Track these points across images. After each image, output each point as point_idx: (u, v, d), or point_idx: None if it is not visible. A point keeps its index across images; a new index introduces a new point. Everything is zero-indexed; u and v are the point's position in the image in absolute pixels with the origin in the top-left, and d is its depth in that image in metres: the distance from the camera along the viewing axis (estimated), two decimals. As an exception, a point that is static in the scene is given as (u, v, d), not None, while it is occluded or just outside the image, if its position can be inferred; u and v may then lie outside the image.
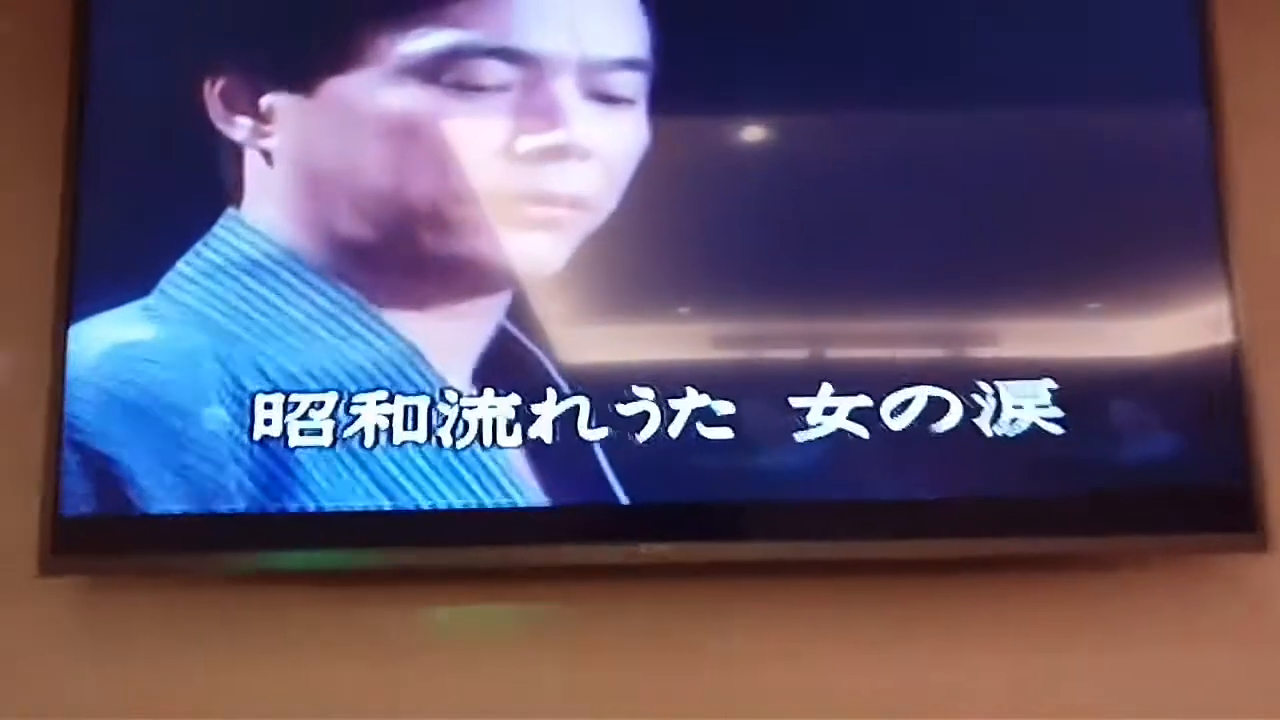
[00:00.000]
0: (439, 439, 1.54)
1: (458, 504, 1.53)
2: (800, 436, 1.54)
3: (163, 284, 1.57)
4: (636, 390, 1.55)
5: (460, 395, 1.55)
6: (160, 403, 1.53)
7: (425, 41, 1.58)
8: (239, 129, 1.60)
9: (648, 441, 1.54)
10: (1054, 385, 1.54)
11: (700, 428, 1.54)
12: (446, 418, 1.54)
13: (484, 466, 1.54)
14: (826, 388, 1.54)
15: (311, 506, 1.53)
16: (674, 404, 1.54)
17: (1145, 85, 1.63)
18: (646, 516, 1.54)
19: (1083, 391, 1.55)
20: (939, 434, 1.54)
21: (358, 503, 1.53)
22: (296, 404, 1.54)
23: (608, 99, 1.59)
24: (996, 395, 1.54)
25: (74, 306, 1.57)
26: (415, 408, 1.54)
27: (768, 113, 1.63)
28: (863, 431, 1.54)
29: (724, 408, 1.54)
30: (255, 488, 1.53)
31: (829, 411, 1.54)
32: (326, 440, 1.54)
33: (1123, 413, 1.55)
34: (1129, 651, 1.58)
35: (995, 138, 1.62)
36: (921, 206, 1.59)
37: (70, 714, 1.58)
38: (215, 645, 1.60)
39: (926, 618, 1.59)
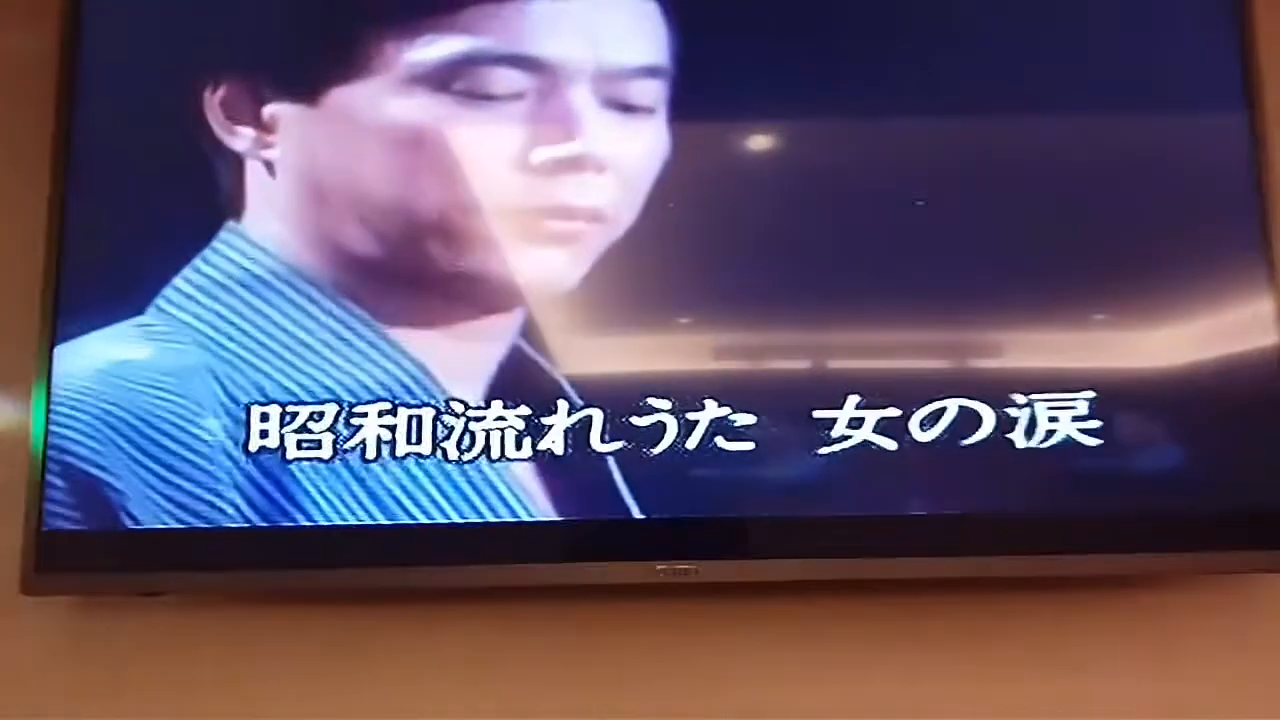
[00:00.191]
0: (444, 452, 1.50)
1: (463, 520, 1.49)
2: (825, 450, 1.50)
3: (158, 300, 1.54)
4: (652, 401, 1.51)
5: (467, 406, 1.51)
6: (152, 420, 1.49)
7: (435, 49, 1.54)
8: (240, 139, 1.57)
9: (663, 454, 1.50)
10: (1092, 395, 1.51)
11: (719, 440, 1.51)
12: (452, 430, 1.51)
13: (490, 481, 1.49)
14: (853, 399, 1.51)
15: (309, 523, 1.49)
16: (692, 416, 1.51)
17: (1186, 89, 1.61)
18: (661, 532, 1.50)
19: (1122, 403, 1.52)
20: (968, 446, 1.50)
21: (358, 519, 1.49)
22: (294, 415, 1.51)
23: (626, 107, 1.56)
24: (1031, 407, 1.51)
25: (63, 323, 1.54)
26: (419, 419, 1.51)
27: (793, 120, 1.60)
28: (890, 444, 1.50)
29: (744, 419, 1.51)
30: (249, 504, 1.49)
31: (855, 424, 1.51)
32: (326, 453, 1.51)
33: (1163, 424, 1.52)
34: (1170, 670, 1.55)
35: (1033, 143, 1.59)
36: (956, 214, 1.56)
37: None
38: (206, 667, 1.57)
39: (957, 638, 1.56)
